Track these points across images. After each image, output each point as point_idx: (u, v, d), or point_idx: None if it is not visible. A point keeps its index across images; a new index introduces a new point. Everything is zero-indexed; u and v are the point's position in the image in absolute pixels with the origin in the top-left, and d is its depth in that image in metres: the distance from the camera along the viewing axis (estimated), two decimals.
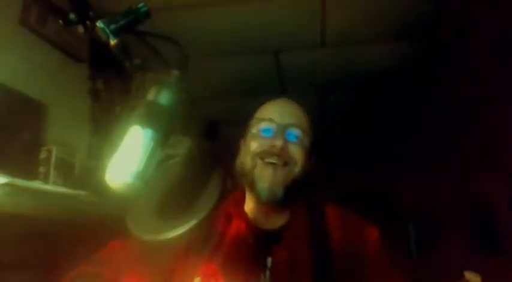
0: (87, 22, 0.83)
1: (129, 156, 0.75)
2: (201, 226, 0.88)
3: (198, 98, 2.23)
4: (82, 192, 1.32)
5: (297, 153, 0.86)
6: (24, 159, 1.27)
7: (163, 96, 0.82)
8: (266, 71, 2.16)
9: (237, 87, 2.35)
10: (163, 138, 0.80)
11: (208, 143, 0.99)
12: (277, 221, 0.88)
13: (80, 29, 0.84)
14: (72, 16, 0.84)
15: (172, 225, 0.89)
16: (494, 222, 1.70)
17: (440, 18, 1.75)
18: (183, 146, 0.96)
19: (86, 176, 1.45)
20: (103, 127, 1.64)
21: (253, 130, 0.90)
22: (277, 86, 2.34)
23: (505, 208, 1.61)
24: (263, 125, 0.88)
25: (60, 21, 0.92)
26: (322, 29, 1.80)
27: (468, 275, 0.73)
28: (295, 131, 0.87)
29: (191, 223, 0.89)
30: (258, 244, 0.82)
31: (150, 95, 0.82)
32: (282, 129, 0.86)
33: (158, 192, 0.96)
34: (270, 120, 0.88)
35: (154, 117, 0.78)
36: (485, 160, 1.76)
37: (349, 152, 3.38)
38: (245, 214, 0.89)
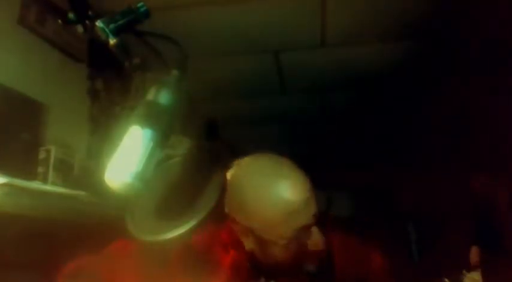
0: (87, 21, 0.83)
1: (129, 157, 0.75)
2: (200, 226, 0.88)
3: (198, 98, 2.23)
4: (81, 193, 1.32)
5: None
6: (23, 159, 1.27)
7: (162, 96, 0.81)
8: (266, 71, 2.16)
9: (237, 87, 2.34)
10: (163, 138, 0.79)
11: (208, 143, 0.98)
12: None
13: (79, 28, 0.84)
14: (71, 15, 0.84)
15: (172, 226, 0.89)
16: (494, 222, 1.69)
17: (441, 18, 1.75)
18: (182, 146, 0.96)
19: (85, 176, 1.45)
20: (102, 127, 1.63)
21: (285, 241, 0.76)
22: (277, 86, 2.34)
23: (505, 208, 1.61)
24: (298, 234, 0.76)
25: (60, 20, 0.92)
26: (322, 29, 1.80)
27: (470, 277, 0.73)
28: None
29: (191, 223, 0.88)
30: (258, 269, 0.81)
31: (150, 95, 0.82)
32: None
33: (158, 193, 0.95)
34: (302, 228, 0.76)
35: (153, 117, 0.78)
36: (486, 160, 1.76)
37: (349, 152, 3.38)
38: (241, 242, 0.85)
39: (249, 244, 0.79)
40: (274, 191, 0.75)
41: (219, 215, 0.89)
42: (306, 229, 0.76)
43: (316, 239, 0.77)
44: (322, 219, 0.79)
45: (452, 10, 1.69)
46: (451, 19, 1.75)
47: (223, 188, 0.93)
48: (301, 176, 0.78)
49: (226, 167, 0.93)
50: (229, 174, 0.81)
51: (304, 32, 1.82)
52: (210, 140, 1.01)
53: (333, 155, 3.46)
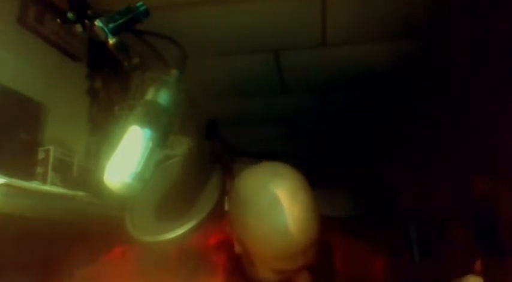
0: (86, 21, 0.82)
1: (128, 157, 0.74)
2: (200, 227, 0.87)
3: (198, 98, 2.21)
4: (80, 193, 1.31)
5: None
6: (22, 159, 1.26)
7: (162, 96, 0.81)
8: (266, 71, 2.15)
9: (237, 87, 2.33)
10: (162, 138, 0.79)
11: (208, 143, 0.98)
12: None
13: (79, 28, 0.84)
14: (70, 15, 0.83)
15: (172, 226, 0.89)
16: (497, 223, 1.69)
17: (441, 18, 1.75)
18: (182, 146, 0.95)
19: (84, 176, 1.44)
20: (101, 127, 1.63)
21: None
22: (277, 86, 2.33)
23: (508, 209, 1.60)
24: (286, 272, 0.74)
25: (59, 20, 0.92)
26: (323, 29, 1.79)
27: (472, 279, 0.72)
28: None
29: (191, 224, 0.88)
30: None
31: (149, 95, 0.82)
32: None
33: (157, 193, 0.95)
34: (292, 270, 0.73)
35: (153, 117, 0.78)
36: (488, 161, 1.75)
37: (350, 151, 3.37)
38: None
39: (238, 249, 0.77)
40: (277, 230, 0.68)
41: (218, 215, 0.89)
42: (297, 270, 0.72)
43: (303, 280, 0.74)
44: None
45: (452, 10, 1.69)
46: (451, 19, 1.75)
47: (222, 188, 0.92)
48: (311, 218, 0.70)
49: (226, 167, 0.92)
50: (238, 182, 0.77)
51: (304, 31, 1.82)
52: (210, 140, 1.00)
53: (333, 154, 3.46)
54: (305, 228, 0.69)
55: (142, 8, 0.81)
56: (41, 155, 1.32)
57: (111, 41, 0.77)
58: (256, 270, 0.75)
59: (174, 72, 0.83)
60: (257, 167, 0.77)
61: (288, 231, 0.67)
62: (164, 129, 0.79)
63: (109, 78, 1.71)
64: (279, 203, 0.69)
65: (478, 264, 0.77)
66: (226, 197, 0.86)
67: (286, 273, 0.72)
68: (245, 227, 0.72)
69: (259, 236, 0.70)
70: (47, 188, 1.27)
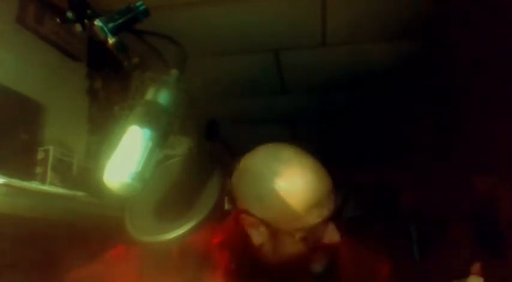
0: (85, 21, 0.82)
1: (127, 157, 0.74)
2: (200, 227, 0.87)
3: (198, 98, 2.21)
4: (80, 193, 1.31)
5: None
6: (21, 159, 1.26)
7: (162, 96, 0.81)
8: (266, 70, 2.15)
9: (237, 87, 2.33)
10: (162, 138, 0.79)
11: (208, 143, 0.98)
12: None
13: (78, 27, 0.83)
14: (70, 14, 0.83)
15: (172, 226, 0.88)
16: (496, 222, 1.69)
17: (441, 18, 1.75)
18: (182, 146, 0.95)
19: (84, 176, 1.44)
20: (101, 127, 1.62)
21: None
22: (277, 86, 2.33)
23: (507, 208, 1.60)
24: (317, 227, 0.73)
25: (58, 19, 0.91)
26: (323, 28, 1.79)
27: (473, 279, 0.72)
28: None
29: (191, 224, 0.88)
30: (258, 270, 0.80)
31: (149, 95, 0.82)
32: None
33: (157, 193, 0.95)
34: (323, 220, 0.73)
35: (152, 117, 0.77)
36: (488, 161, 1.75)
37: (350, 151, 3.37)
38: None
39: (259, 238, 0.76)
40: (300, 180, 0.72)
41: (219, 215, 0.88)
42: (325, 222, 0.74)
43: (332, 233, 0.75)
44: (338, 217, 0.76)
45: (452, 10, 1.69)
46: (451, 19, 1.75)
47: (222, 188, 0.92)
48: (323, 167, 0.77)
49: (226, 167, 0.92)
50: (243, 163, 0.78)
51: (304, 31, 1.81)
52: (210, 140, 1.00)
53: (334, 154, 3.46)
54: (322, 174, 0.75)
55: (142, 8, 0.81)
56: (40, 155, 1.32)
57: (111, 40, 0.77)
58: (286, 246, 0.74)
59: (174, 72, 0.83)
60: (255, 150, 0.79)
61: (310, 179, 0.73)
62: (164, 129, 0.79)
63: (109, 78, 1.71)
64: (291, 161, 0.74)
65: (475, 266, 0.77)
66: (226, 197, 0.85)
67: (318, 231, 0.73)
68: (265, 197, 0.73)
69: (283, 196, 0.72)
70: (46, 188, 1.27)
